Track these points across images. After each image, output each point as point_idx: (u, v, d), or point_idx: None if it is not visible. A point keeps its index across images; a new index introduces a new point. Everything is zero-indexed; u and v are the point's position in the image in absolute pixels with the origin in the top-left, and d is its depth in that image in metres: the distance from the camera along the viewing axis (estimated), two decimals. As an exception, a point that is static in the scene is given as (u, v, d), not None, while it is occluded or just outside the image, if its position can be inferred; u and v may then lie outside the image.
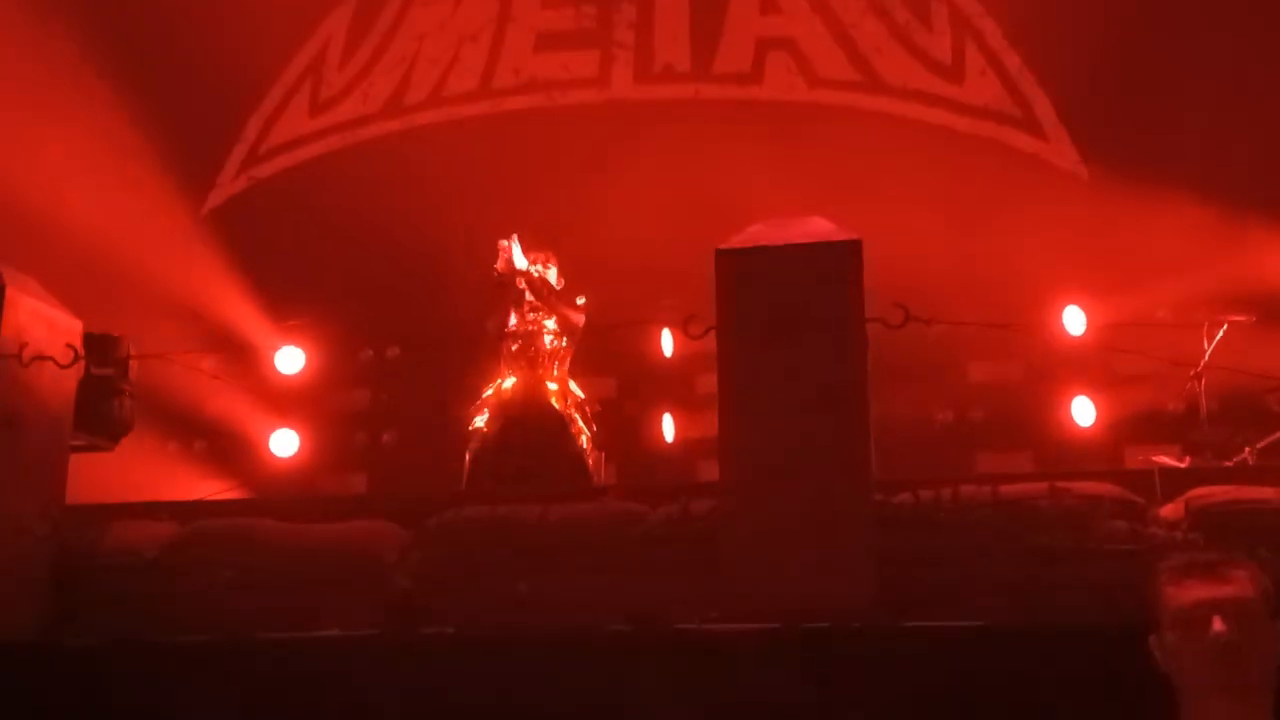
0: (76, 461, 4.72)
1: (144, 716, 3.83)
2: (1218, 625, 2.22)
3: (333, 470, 9.12)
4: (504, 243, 6.37)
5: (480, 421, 6.38)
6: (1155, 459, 6.02)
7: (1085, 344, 7.90)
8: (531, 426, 6.19)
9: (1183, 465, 5.98)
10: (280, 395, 9.33)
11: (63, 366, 4.51)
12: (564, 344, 6.45)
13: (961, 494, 4.04)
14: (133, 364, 5.11)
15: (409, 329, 9.25)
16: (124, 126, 9.48)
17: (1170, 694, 2.30)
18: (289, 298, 9.20)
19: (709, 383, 4.47)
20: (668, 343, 8.30)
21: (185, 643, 3.98)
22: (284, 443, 9.05)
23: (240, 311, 9.23)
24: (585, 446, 6.33)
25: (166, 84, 9.56)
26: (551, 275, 6.59)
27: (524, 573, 4.07)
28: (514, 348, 6.44)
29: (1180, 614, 2.29)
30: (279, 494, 8.18)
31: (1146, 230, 7.73)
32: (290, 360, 9.15)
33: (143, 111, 9.56)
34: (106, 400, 4.81)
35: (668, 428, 8.58)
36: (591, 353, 6.88)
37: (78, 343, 4.64)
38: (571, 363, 6.55)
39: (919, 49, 9.51)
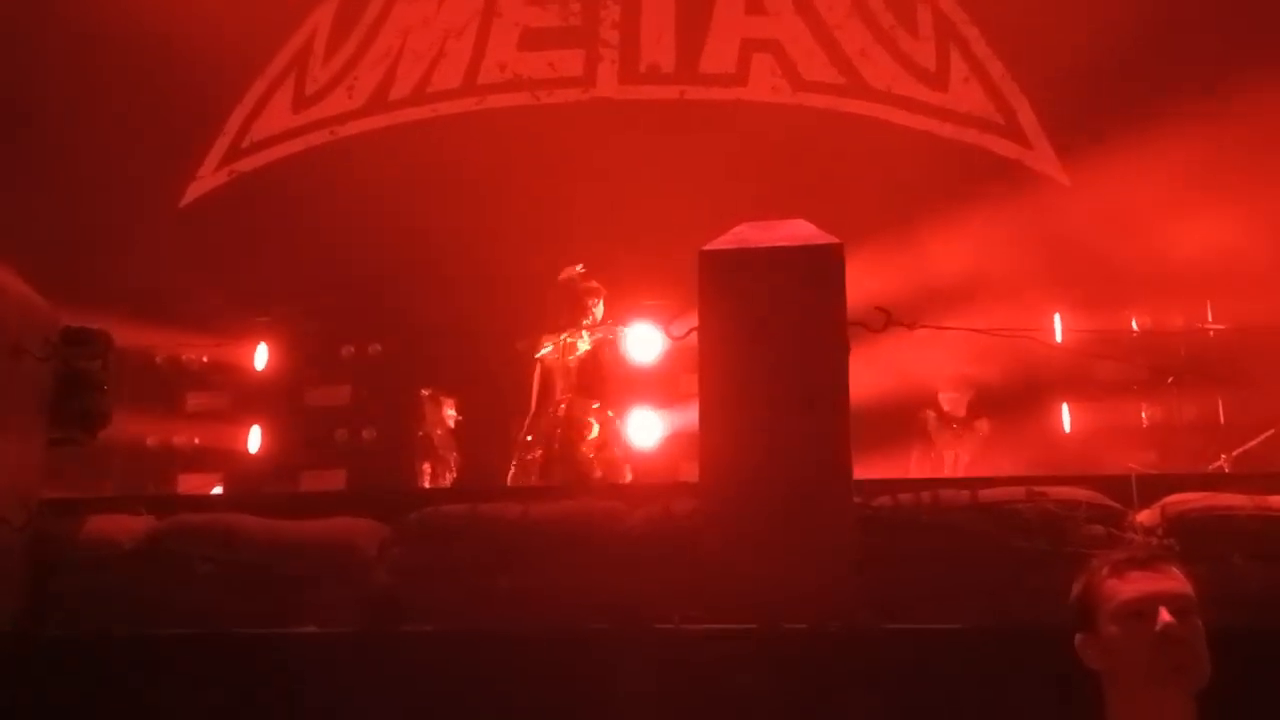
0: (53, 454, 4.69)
1: (121, 709, 3.82)
2: (1165, 616, 2.27)
3: (313, 466, 9.09)
4: None
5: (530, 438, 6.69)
6: (1132, 465, 6.07)
7: (1065, 349, 7.96)
8: (577, 442, 6.53)
9: (1159, 471, 6.03)
10: (258, 390, 9.31)
11: (40, 359, 4.49)
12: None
13: (941, 497, 4.05)
14: (110, 357, 5.07)
15: (391, 325, 9.23)
16: (104, 117, 9.44)
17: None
18: (270, 293, 9.17)
19: (691, 382, 4.47)
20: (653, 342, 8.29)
21: (163, 636, 3.97)
22: (258, 438, 9.05)
23: (219, 306, 9.19)
24: (619, 457, 6.70)
25: (148, 74, 9.50)
26: (598, 310, 6.98)
27: (504, 570, 4.06)
28: (569, 361, 6.73)
29: (1126, 606, 2.33)
30: (259, 489, 8.16)
31: (1126, 237, 7.79)
32: (264, 356, 9.16)
33: (123, 102, 9.52)
34: (84, 393, 4.77)
35: (654, 427, 8.58)
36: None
37: (56, 335, 4.61)
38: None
39: (903, 54, 9.54)
